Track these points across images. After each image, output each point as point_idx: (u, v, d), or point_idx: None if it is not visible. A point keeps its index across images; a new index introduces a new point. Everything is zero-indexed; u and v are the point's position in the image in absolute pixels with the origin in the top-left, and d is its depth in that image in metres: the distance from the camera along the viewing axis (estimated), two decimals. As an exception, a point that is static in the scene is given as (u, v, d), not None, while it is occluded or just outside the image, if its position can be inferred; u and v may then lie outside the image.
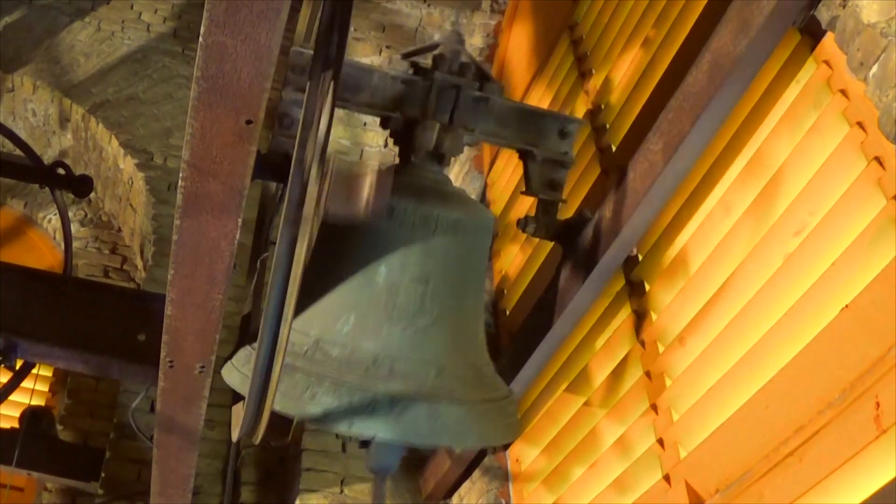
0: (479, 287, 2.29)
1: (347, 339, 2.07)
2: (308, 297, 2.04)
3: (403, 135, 2.29)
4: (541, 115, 2.53)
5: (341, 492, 4.12)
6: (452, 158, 2.38)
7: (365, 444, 2.02)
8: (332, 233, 2.14)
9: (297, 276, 1.63)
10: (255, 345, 1.71)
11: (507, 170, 4.79)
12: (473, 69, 2.29)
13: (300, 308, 1.93)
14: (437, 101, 2.24)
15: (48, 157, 6.38)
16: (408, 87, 2.26)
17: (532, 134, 2.48)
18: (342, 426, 2.03)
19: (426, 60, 2.30)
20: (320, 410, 2.02)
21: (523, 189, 2.55)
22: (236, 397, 2.41)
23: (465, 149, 2.41)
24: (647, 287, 3.00)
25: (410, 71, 2.29)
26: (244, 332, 2.69)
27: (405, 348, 2.07)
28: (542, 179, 2.50)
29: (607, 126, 3.75)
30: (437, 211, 2.14)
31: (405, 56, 2.31)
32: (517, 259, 4.32)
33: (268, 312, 1.66)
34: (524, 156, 2.50)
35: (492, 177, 5.06)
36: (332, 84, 1.59)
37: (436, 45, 2.30)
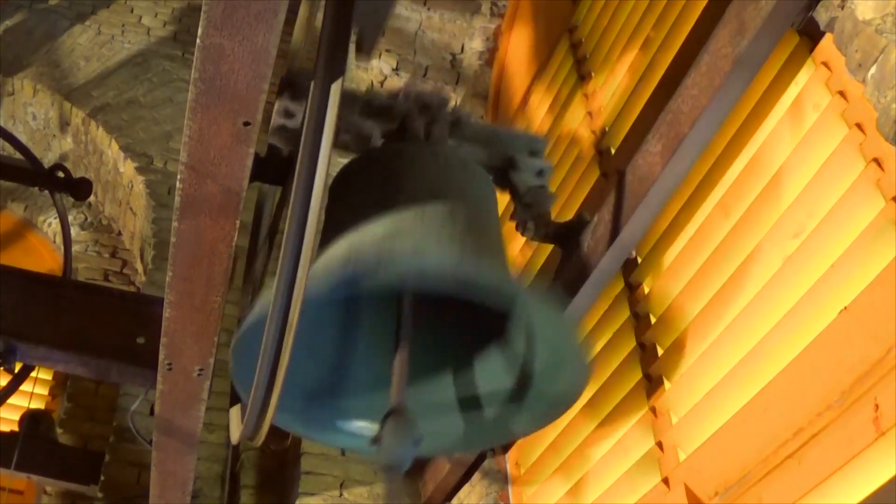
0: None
1: None
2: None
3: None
4: (511, 135, 2.56)
5: (340, 495, 4.11)
6: None
7: (375, 440, 1.98)
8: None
9: (301, 281, 1.62)
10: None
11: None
12: (440, 99, 2.34)
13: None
14: (414, 120, 2.27)
15: (48, 160, 6.37)
16: (385, 107, 2.29)
17: (507, 151, 2.50)
18: None
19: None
20: None
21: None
22: (234, 399, 2.41)
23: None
24: (647, 290, 3.00)
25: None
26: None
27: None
28: (527, 189, 2.51)
29: (606, 128, 3.75)
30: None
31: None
32: (516, 262, 4.32)
33: (273, 316, 1.65)
34: (505, 170, 2.50)
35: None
36: (337, 87, 1.59)
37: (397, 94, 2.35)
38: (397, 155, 2.21)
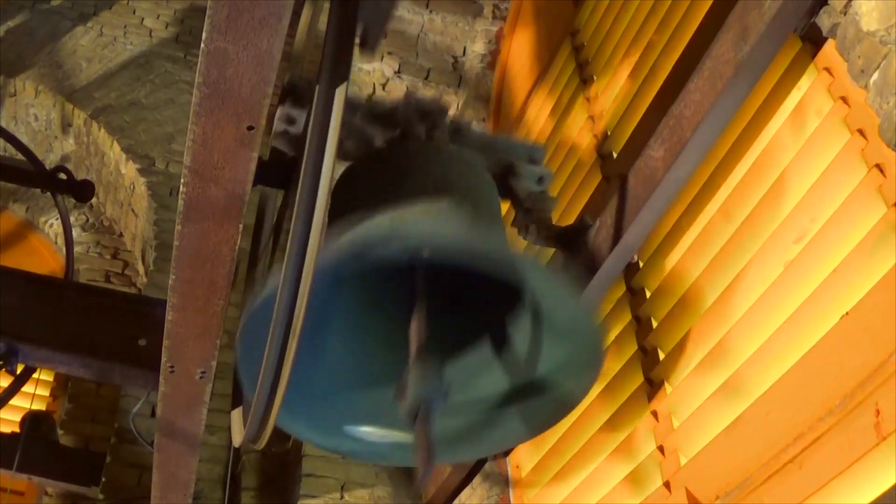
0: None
1: None
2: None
3: None
4: (510, 143, 2.57)
5: (341, 497, 4.12)
6: None
7: (399, 391, 1.83)
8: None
9: (306, 285, 1.62)
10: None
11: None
12: (439, 106, 2.35)
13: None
14: (414, 127, 2.28)
15: (50, 161, 6.38)
16: (386, 114, 2.31)
17: (506, 158, 2.50)
18: None
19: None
20: None
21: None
22: (236, 402, 2.41)
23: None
24: (648, 294, 3.01)
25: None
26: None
27: None
28: (527, 195, 2.51)
29: (608, 132, 3.76)
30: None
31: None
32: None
33: (277, 318, 1.65)
34: (505, 177, 2.50)
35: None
36: (341, 91, 1.59)
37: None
38: (400, 153, 2.22)
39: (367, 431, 2.12)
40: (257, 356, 1.73)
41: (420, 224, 1.82)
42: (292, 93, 2.16)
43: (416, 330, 1.90)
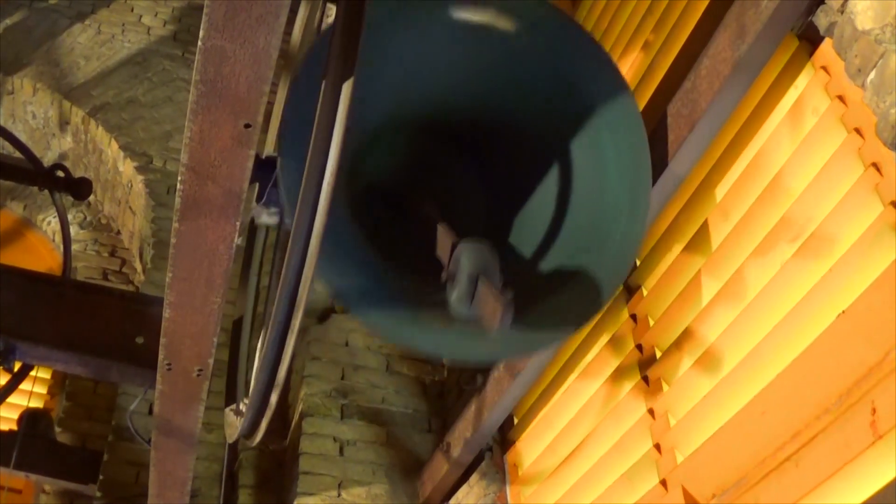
0: None
1: None
2: None
3: None
4: None
5: (339, 495, 4.12)
6: None
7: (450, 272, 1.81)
8: None
9: (307, 281, 1.62)
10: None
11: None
12: None
13: None
14: None
15: (48, 159, 6.38)
16: None
17: None
18: None
19: None
20: None
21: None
22: (229, 400, 2.42)
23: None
24: (645, 292, 3.01)
25: None
26: (236, 338, 2.69)
27: None
28: None
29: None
30: None
31: None
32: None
33: (274, 317, 1.65)
34: None
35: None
36: (348, 87, 1.58)
37: None
38: None
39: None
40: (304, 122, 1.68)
41: None
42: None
43: (468, 206, 1.87)
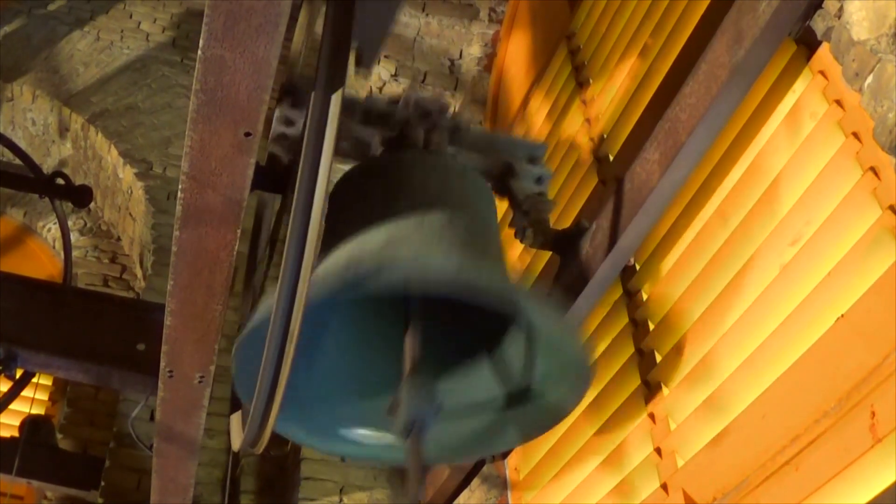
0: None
1: None
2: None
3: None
4: (510, 142, 2.58)
5: (340, 500, 4.13)
6: None
7: (391, 408, 1.85)
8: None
9: (303, 288, 1.63)
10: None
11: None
12: (439, 105, 2.35)
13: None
14: (413, 127, 2.29)
15: (47, 165, 6.39)
16: (384, 114, 2.31)
17: (506, 158, 2.51)
18: None
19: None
20: None
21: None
22: (235, 406, 2.42)
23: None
24: (645, 296, 3.01)
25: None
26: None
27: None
28: (525, 196, 2.52)
29: (604, 135, 3.76)
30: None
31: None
32: (516, 267, 4.32)
33: (274, 324, 1.66)
34: (504, 177, 2.51)
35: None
36: (338, 97, 1.60)
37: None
38: (397, 164, 2.22)
39: (364, 434, 2.13)
40: (253, 370, 1.75)
41: (409, 262, 1.84)
42: (290, 94, 2.16)
43: (409, 347, 1.92)
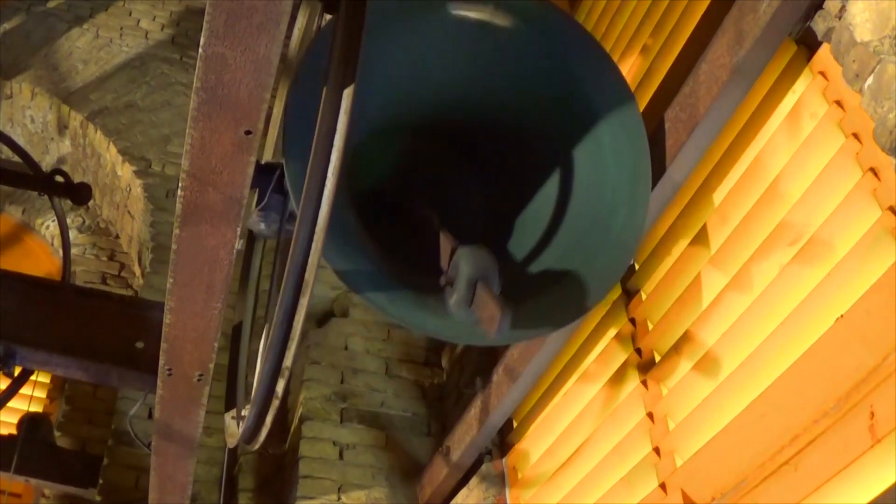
0: None
1: None
2: None
3: None
4: None
5: (338, 499, 4.12)
6: None
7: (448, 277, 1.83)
8: None
9: (308, 285, 1.63)
10: None
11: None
12: None
13: None
14: None
15: (46, 163, 6.38)
16: None
17: None
18: None
19: None
20: None
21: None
22: (229, 405, 2.42)
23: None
24: (644, 296, 3.01)
25: None
26: (235, 343, 2.69)
27: None
28: None
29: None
30: None
31: None
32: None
33: (276, 322, 1.66)
34: None
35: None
36: (349, 93, 1.58)
37: None
38: None
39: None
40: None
41: None
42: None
43: (465, 212, 1.88)
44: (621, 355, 2.99)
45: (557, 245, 2.18)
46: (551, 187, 2.21)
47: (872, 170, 2.04)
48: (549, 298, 2.13)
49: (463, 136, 2.32)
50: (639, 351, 2.92)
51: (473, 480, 3.78)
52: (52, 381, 6.01)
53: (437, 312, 1.94)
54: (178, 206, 1.86)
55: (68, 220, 5.75)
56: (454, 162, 2.33)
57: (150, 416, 2.93)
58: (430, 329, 2.06)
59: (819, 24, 2.30)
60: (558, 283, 2.13)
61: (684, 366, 2.64)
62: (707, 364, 2.50)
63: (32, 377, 4.70)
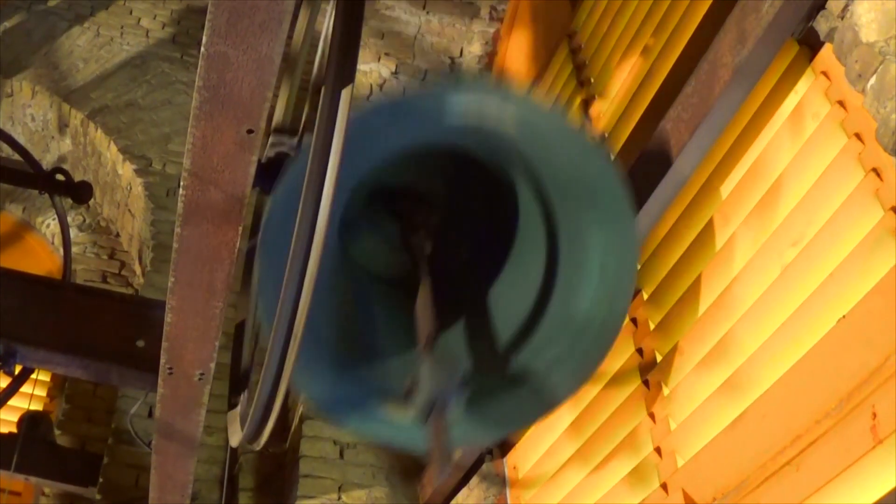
0: None
1: None
2: None
3: None
4: None
5: (339, 498, 4.12)
6: None
7: (408, 391, 1.79)
8: None
9: (310, 286, 1.62)
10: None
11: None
12: None
13: None
14: None
15: (47, 161, 6.39)
16: None
17: None
18: None
19: None
20: None
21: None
22: (232, 404, 2.42)
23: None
24: (645, 296, 3.01)
25: None
26: (238, 342, 2.69)
27: None
28: None
29: (605, 135, 3.76)
30: None
31: None
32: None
33: (280, 316, 1.65)
34: None
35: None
36: (348, 92, 1.58)
37: None
38: None
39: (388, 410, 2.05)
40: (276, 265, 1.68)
41: None
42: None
43: (422, 317, 1.87)
44: (622, 355, 2.99)
45: (532, 339, 2.17)
46: (533, 278, 2.19)
47: (875, 170, 2.03)
48: (513, 397, 2.14)
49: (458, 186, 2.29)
50: (640, 351, 2.92)
51: (474, 480, 3.78)
52: (52, 379, 6.02)
53: (405, 424, 1.96)
54: (180, 204, 1.86)
55: (69, 219, 5.74)
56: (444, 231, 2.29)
57: (151, 414, 2.93)
58: (403, 442, 2.09)
59: (821, 25, 2.30)
60: (526, 380, 2.14)
61: (686, 366, 2.63)
62: (709, 364, 2.50)
63: (33, 376, 4.70)
